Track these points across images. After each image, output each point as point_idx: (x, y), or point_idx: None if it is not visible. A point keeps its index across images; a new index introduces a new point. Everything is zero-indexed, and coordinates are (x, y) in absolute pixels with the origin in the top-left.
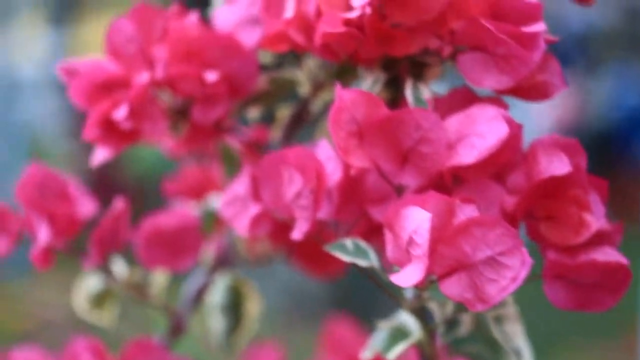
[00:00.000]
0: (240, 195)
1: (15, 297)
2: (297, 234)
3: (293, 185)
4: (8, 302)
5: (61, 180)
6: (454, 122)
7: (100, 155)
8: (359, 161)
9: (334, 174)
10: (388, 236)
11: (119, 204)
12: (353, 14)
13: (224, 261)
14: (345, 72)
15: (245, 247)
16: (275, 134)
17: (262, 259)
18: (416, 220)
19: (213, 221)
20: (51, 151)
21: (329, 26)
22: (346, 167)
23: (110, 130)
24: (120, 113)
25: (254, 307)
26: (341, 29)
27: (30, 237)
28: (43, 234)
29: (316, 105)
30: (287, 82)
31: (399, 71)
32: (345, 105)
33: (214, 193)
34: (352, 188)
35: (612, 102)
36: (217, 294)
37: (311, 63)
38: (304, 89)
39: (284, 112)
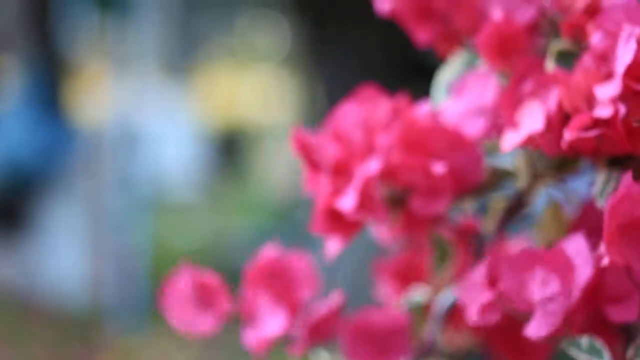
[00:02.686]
0: (475, 282)
1: (130, 352)
2: (535, 332)
3: (547, 287)
4: (124, 357)
5: (291, 266)
6: None
7: (332, 246)
8: (615, 255)
9: (580, 271)
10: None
11: (337, 296)
12: (604, 113)
13: (425, 352)
14: (565, 165)
15: (446, 338)
16: (489, 224)
17: (461, 351)
18: None
19: (422, 314)
20: (173, 204)
21: (578, 127)
22: (597, 265)
23: (336, 220)
24: (348, 204)
25: None
26: (593, 131)
27: (246, 320)
28: (277, 322)
29: (532, 197)
30: (506, 173)
31: (630, 167)
32: (629, 197)
33: (419, 283)
34: (595, 285)
35: None
36: None
37: (531, 154)
38: (522, 180)
39: (499, 203)
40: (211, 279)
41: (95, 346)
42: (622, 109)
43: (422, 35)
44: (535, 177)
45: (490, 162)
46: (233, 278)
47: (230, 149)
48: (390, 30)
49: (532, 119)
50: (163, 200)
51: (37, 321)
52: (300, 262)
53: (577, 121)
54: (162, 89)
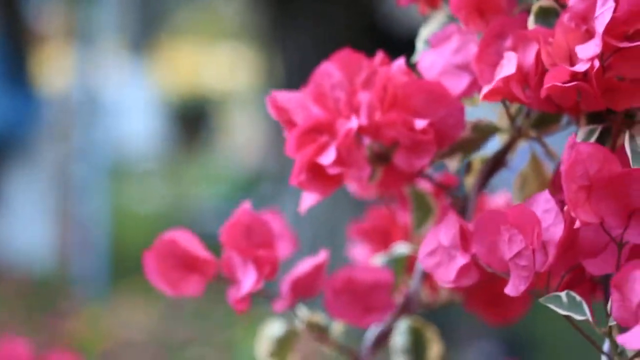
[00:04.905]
0: (443, 245)
1: (95, 317)
2: (514, 290)
3: (514, 245)
4: (88, 322)
5: (266, 223)
6: None
7: (308, 200)
8: (586, 216)
9: (555, 228)
10: (615, 295)
11: (322, 254)
12: (581, 67)
13: (407, 307)
14: (546, 121)
15: (428, 293)
16: (470, 181)
17: (441, 304)
18: None
19: (402, 270)
20: (131, 171)
21: (556, 80)
22: (568, 221)
23: (316, 175)
24: (328, 158)
25: (435, 350)
26: (569, 82)
27: (228, 279)
28: (250, 279)
29: (513, 153)
30: (489, 129)
31: (611, 122)
32: (582, 159)
33: (400, 239)
34: (570, 241)
35: None
36: (400, 338)
37: (513, 110)
38: (504, 136)
39: (480, 160)
40: (192, 242)
41: (61, 312)
42: (597, 64)
43: None
44: (517, 132)
45: (473, 118)
46: None
47: (193, 120)
48: (356, 2)
49: (506, 67)
50: (126, 168)
51: (3, 288)
52: (275, 219)
53: (555, 73)
54: (126, 61)
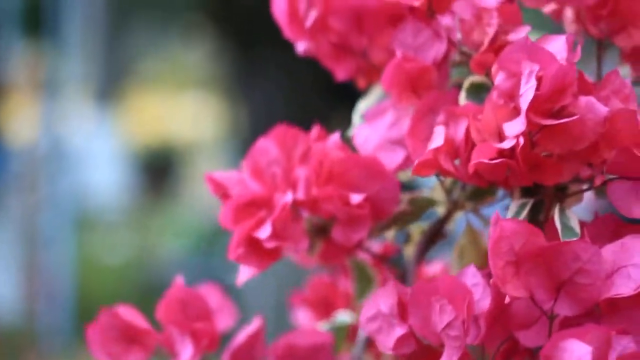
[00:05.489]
0: (383, 312)
1: None
2: None
3: (445, 316)
4: None
5: (202, 297)
6: (608, 252)
7: (245, 274)
8: (515, 291)
9: (483, 301)
10: None
11: (257, 321)
12: (507, 144)
13: None
14: (482, 193)
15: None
16: (409, 251)
17: None
18: (576, 354)
19: (344, 338)
20: (97, 222)
21: (483, 156)
22: (496, 294)
23: (254, 248)
24: (264, 233)
25: None
26: (495, 159)
27: (168, 353)
28: (187, 353)
29: (451, 224)
30: (426, 202)
31: (543, 196)
32: (505, 235)
33: (342, 307)
34: (500, 313)
35: None
36: None
37: (447, 183)
38: (441, 208)
39: (419, 230)
40: (135, 316)
41: None
42: (522, 141)
43: (340, 71)
44: (454, 205)
45: (410, 191)
46: (159, 295)
47: (159, 169)
48: None
49: (435, 140)
50: (93, 218)
51: None
52: (212, 292)
53: (482, 150)
54: (92, 111)
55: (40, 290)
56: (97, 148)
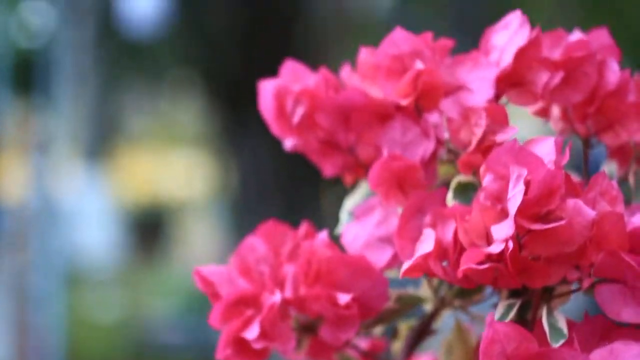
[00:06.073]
0: None
1: None
2: None
3: None
4: None
5: None
6: (596, 357)
7: None
8: None
9: None
10: None
11: None
12: (496, 249)
13: None
14: (469, 291)
15: None
16: (397, 346)
17: None
18: None
19: None
20: (87, 280)
21: (472, 261)
22: None
23: (242, 348)
24: (252, 333)
25: None
26: (484, 263)
27: None
28: None
29: (439, 321)
30: (413, 299)
31: (530, 296)
32: (498, 338)
33: None
34: None
35: None
36: None
37: (435, 281)
38: (428, 305)
39: (406, 326)
40: None
41: None
42: (511, 245)
43: (327, 167)
44: (441, 303)
45: (399, 289)
46: (149, 354)
47: (149, 228)
48: None
49: (424, 245)
50: (83, 277)
51: None
52: None
53: (470, 255)
54: (83, 169)
55: (31, 348)
56: (87, 206)
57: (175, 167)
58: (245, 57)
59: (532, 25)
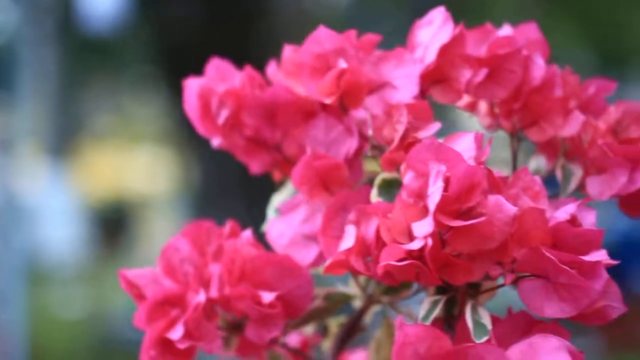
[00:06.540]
0: None
1: None
2: None
3: None
4: None
5: None
6: (516, 352)
7: None
8: None
9: None
10: None
11: None
12: (415, 246)
13: None
14: (397, 288)
15: None
16: (328, 344)
17: None
18: None
19: None
20: (51, 277)
21: (391, 258)
22: None
23: (167, 349)
24: (176, 334)
25: None
26: (403, 261)
27: None
28: None
29: (368, 318)
30: (341, 297)
31: (456, 292)
32: (409, 341)
33: None
34: None
35: (605, 227)
36: None
37: (362, 279)
38: (357, 302)
39: (336, 324)
40: None
41: None
42: (431, 242)
43: (255, 165)
44: (370, 300)
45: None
46: (112, 349)
47: (113, 224)
48: None
49: (346, 241)
50: (46, 274)
51: None
52: None
53: (390, 251)
54: (46, 166)
55: None
56: (50, 203)
57: (138, 163)
58: (206, 52)
59: (491, 19)
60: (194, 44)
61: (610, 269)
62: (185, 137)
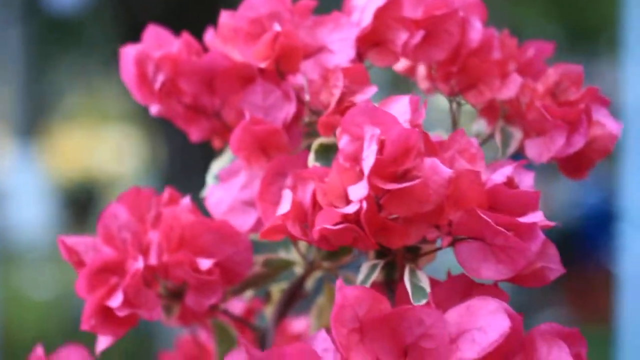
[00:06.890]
0: None
1: None
2: None
3: None
4: None
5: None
6: (454, 315)
7: (102, 343)
8: (360, 357)
9: None
10: None
11: None
12: (350, 209)
13: None
14: (338, 253)
15: None
16: (269, 310)
17: None
18: None
19: None
20: (21, 257)
21: (326, 222)
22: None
23: (107, 317)
24: (116, 301)
25: None
26: (339, 224)
27: None
28: None
29: (310, 283)
30: (281, 263)
31: (395, 256)
32: (348, 303)
33: None
34: None
35: (574, 200)
36: None
37: (303, 244)
38: (298, 268)
39: (278, 290)
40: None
41: None
42: (365, 206)
43: (194, 133)
44: (310, 266)
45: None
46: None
47: (82, 204)
48: None
49: (282, 206)
50: (17, 254)
51: None
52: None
53: (326, 215)
54: (15, 147)
55: None
56: (20, 183)
57: (107, 143)
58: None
59: None
60: (159, 22)
61: (579, 242)
62: (151, 115)
